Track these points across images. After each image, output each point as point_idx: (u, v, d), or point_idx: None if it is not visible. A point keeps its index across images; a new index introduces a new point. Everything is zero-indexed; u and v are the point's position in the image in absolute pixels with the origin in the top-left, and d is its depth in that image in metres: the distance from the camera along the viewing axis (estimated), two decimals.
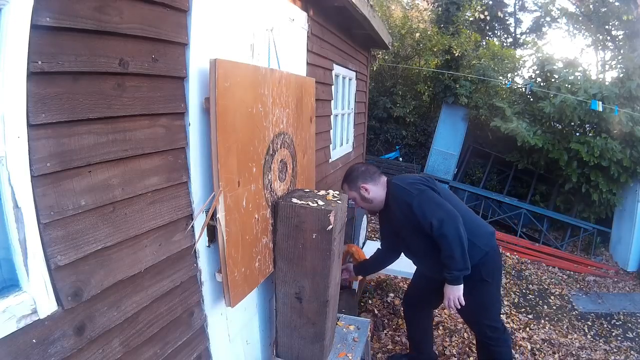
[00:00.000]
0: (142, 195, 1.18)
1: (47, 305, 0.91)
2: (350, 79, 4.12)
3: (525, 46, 13.10)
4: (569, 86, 6.67)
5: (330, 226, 1.68)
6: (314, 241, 1.72)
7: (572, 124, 6.67)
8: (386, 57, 9.49)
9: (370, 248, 3.79)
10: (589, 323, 4.20)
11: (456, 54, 8.32)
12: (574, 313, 4.42)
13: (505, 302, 4.33)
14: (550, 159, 6.88)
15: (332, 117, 3.39)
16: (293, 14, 2.30)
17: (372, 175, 2.20)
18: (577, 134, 6.85)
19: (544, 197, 7.96)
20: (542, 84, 7.28)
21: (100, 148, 1.03)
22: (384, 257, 2.54)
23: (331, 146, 3.46)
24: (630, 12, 9.08)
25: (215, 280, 1.55)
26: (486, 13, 11.87)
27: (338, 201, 1.83)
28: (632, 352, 3.64)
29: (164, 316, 1.30)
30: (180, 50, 1.31)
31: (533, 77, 7.72)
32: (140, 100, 1.15)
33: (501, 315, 3.22)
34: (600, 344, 3.74)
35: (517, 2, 15.59)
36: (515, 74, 8.96)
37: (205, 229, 1.45)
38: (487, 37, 13.46)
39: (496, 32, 15.47)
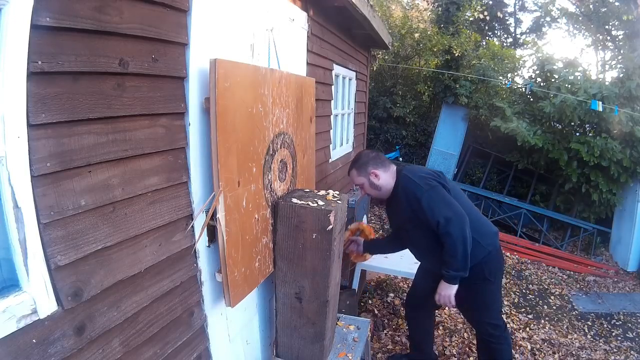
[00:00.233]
0: (142, 195, 1.18)
1: (47, 305, 0.91)
2: (350, 79, 4.12)
3: (525, 46, 13.10)
4: (569, 86, 6.66)
5: (330, 226, 1.68)
6: (314, 241, 1.72)
7: (572, 124, 6.67)
8: (386, 57, 9.48)
9: None
10: (589, 323, 4.20)
11: (456, 54, 8.31)
12: (574, 313, 4.42)
13: (505, 302, 4.33)
14: (550, 159, 6.87)
15: (332, 117, 3.39)
16: (293, 14, 2.31)
17: (382, 161, 2.17)
18: (577, 134, 6.85)
19: (544, 197, 7.96)
20: (542, 84, 7.28)
21: (100, 148, 1.03)
22: (393, 243, 2.52)
23: (331, 146, 3.46)
24: (630, 12, 9.09)
25: (215, 280, 1.55)
26: (486, 13, 11.88)
27: (338, 201, 1.83)
28: (632, 352, 3.64)
29: (164, 316, 1.30)
30: (180, 50, 1.31)
31: (533, 77, 7.71)
32: (140, 100, 1.15)
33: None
34: (600, 344, 3.74)
35: (517, 2, 15.58)
36: (515, 74, 8.95)
37: (205, 229, 1.45)
38: (487, 37, 13.46)
39: (496, 32, 15.46)
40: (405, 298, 2.75)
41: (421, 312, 2.58)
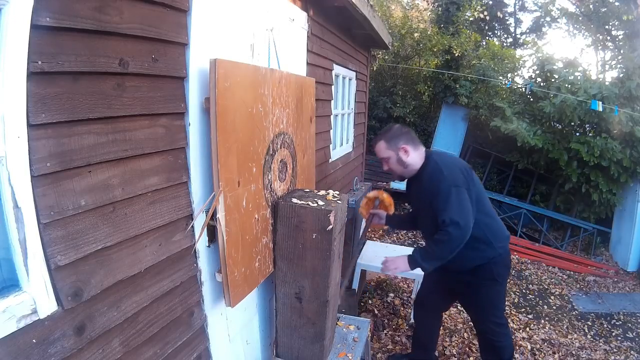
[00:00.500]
0: (142, 195, 1.18)
1: (47, 305, 0.91)
2: (350, 79, 4.12)
3: (525, 46, 13.10)
4: (569, 86, 6.66)
5: (330, 226, 1.68)
6: (314, 241, 1.72)
7: (572, 124, 6.67)
8: (386, 57, 9.48)
9: (371, 248, 3.79)
10: (589, 323, 4.20)
11: (456, 54, 8.31)
12: (574, 313, 4.42)
13: (506, 302, 4.33)
14: (550, 159, 6.88)
15: (332, 117, 3.39)
16: (293, 14, 2.30)
17: (413, 139, 2.11)
18: (577, 134, 6.85)
19: (544, 197, 7.96)
20: (542, 84, 7.28)
21: (100, 148, 1.03)
22: (415, 221, 2.48)
23: (331, 146, 3.46)
24: (630, 12, 9.08)
25: (215, 280, 1.55)
26: (486, 13, 11.88)
27: (338, 201, 1.83)
28: (632, 352, 3.64)
29: (164, 316, 1.30)
30: (180, 50, 1.31)
31: (533, 77, 7.72)
32: (140, 100, 1.15)
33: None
34: (600, 344, 3.74)
35: (517, 2, 15.59)
36: (515, 74, 8.96)
37: (205, 229, 1.45)
38: (487, 37, 13.45)
39: (496, 32, 15.46)
40: (415, 297, 2.77)
41: (430, 312, 2.61)
